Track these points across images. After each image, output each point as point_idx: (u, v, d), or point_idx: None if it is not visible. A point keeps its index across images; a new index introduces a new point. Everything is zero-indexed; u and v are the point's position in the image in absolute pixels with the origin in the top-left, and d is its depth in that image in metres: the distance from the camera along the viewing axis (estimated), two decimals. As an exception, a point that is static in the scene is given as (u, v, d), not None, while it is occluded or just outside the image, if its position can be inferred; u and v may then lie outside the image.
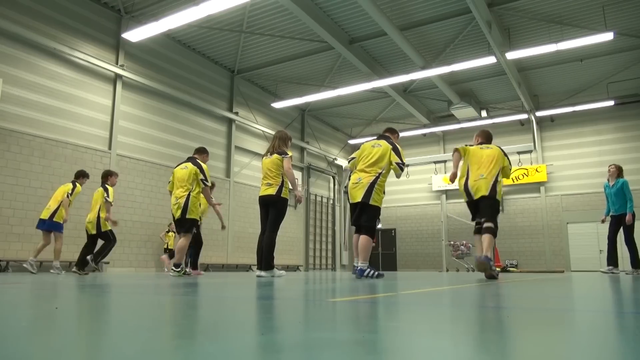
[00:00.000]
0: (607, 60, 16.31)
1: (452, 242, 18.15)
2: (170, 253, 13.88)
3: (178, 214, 7.18)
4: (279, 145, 6.80)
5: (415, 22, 13.78)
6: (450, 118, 20.68)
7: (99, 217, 8.62)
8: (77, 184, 9.15)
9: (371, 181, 6.11)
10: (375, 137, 6.66)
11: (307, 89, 18.09)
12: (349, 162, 6.84)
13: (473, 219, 6.12)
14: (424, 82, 17.73)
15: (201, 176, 7.41)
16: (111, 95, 13.05)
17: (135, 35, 11.82)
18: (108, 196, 8.64)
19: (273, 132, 18.67)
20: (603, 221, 9.26)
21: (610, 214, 9.17)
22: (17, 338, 1.02)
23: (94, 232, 8.67)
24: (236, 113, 17.13)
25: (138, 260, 13.39)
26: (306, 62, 16.59)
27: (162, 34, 13.88)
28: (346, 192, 7.41)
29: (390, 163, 6.22)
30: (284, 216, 6.95)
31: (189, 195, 7.19)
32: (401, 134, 21.57)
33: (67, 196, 8.82)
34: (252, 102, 18.23)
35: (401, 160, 6.22)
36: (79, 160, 11.99)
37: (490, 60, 14.01)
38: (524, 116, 19.32)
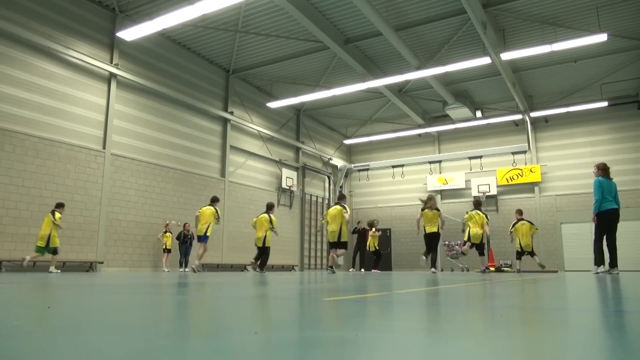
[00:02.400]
0: (601, 62, 16.40)
1: (447, 242, 18.18)
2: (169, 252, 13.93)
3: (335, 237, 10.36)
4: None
5: (411, 22, 13.80)
6: (445, 118, 20.73)
7: (266, 235, 11.96)
8: (217, 208, 11.78)
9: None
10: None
11: (303, 89, 18.08)
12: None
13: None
14: (419, 82, 17.77)
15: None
16: (105, 95, 13.00)
17: (129, 34, 11.77)
18: (273, 226, 11.99)
19: (268, 132, 18.82)
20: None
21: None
22: (10, 337, 1.02)
23: (260, 245, 12.08)
24: (231, 113, 17.10)
25: (133, 260, 13.35)
26: (301, 62, 16.58)
27: (157, 33, 13.84)
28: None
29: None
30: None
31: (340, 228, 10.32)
32: (396, 134, 21.66)
33: (216, 218, 11.64)
34: (248, 102, 18.21)
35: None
36: (72, 159, 11.94)
37: (485, 60, 14.05)
38: (518, 117, 19.40)
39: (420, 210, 11.49)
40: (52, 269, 10.41)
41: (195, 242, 14.67)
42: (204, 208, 11.74)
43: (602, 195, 8.33)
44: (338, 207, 10.44)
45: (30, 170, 11.06)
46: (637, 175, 17.16)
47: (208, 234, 11.49)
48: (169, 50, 15.04)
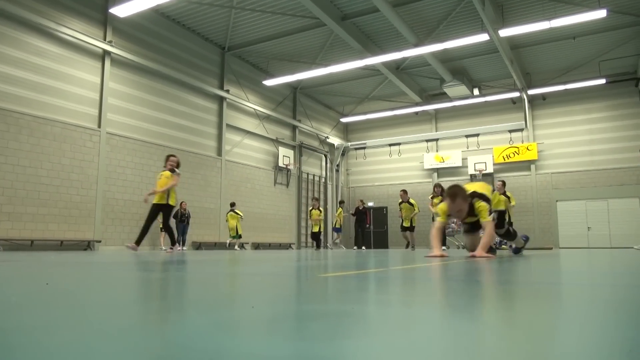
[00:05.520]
0: (600, 38, 16.27)
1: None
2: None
3: None
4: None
5: (408, -2, 13.61)
6: (442, 96, 20.63)
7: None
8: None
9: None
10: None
11: (299, 66, 17.91)
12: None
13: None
14: (416, 59, 17.61)
15: None
16: (100, 72, 12.84)
17: (123, 10, 11.57)
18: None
19: (265, 110, 18.71)
20: None
21: None
22: (6, 312, 1.02)
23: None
24: (227, 91, 16.96)
25: (130, 239, 13.35)
26: (298, 39, 16.38)
27: (150, 9, 13.61)
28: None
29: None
30: None
31: None
32: (393, 113, 21.58)
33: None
34: (244, 80, 18.04)
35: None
36: (68, 138, 11.86)
37: (483, 37, 13.92)
38: (516, 94, 19.32)
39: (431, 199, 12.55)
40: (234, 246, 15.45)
41: (191, 220, 14.74)
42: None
43: None
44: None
45: (25, 149, 10.99)
46: (634, 153, 17.18)
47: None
48: (163, 27, 14.82)
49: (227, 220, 15.76)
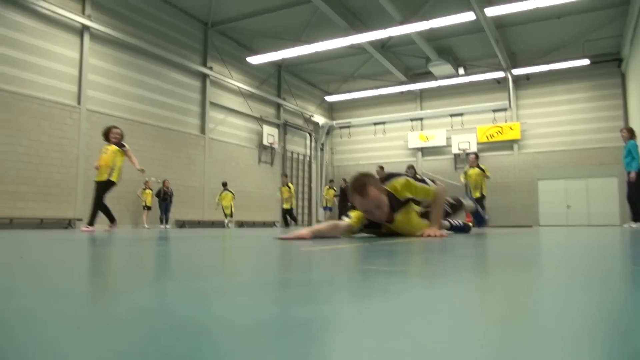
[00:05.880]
0: (584, 18, 16.32)
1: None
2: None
3: None
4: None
5: (394, -26, 13.43)
6: (427, 75, 20.58)
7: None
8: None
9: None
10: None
11: (284, 43, 17.65)
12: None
13: None
14: (402, 38, 17.48)
15: None
16: (79, 48, 12.51)
17: (101, -17, 11.22)
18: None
19: (249, 88, 18.48)
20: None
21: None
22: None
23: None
24: (210, 68, 16.69)
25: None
26: (282, 15, 16.11)
27: (130, -18, 13.22)
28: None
29: None
30: None
31: None
32: (378, 91, 21.50)
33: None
34: (227, 57, 17.76)
35: None
36: (47, 115, 11.59)
37: (470, 16, 13.85)
38: (500, 74, 19.37)
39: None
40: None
41: (174, 199, 14.63)
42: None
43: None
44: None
45: (1, 126, 10.72)
46: (614, 133, 17.42)
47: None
48: (144, 1, 14.44)
49: (220, 200, 15.86)
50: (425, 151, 22.16)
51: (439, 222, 3.72)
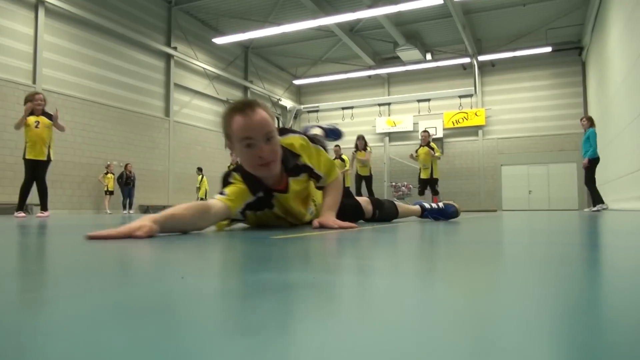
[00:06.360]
0: (548, 6, 16.61)
1: (393, 184, 18.60)
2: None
3: None
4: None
5: (363, -44, 13.28)
6: (395, 60, 20.62)
7: None
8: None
9: None
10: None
11: (251, 24, 17.28)
12: None
13: None
14: (370, 22, 17.40)
15: None
16: (33, 23, 11.88)
17: (57, -45, 10.64)
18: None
19: (215, 70, 18.06)
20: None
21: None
22: None
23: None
24: (174, 48, 16.20)
25: (72, 202, 12.81)
26: (249, -5, 15.75)
27: (88, -45, 12.60)
28: None
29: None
30: None
31: None
32: (346, 75, 21.41)
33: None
34: (192, 37, 17.27)
35: None
36: (-1, 94, 11.00)
37: (437, 1, 13.87)
38: (466, 60, 19.58)
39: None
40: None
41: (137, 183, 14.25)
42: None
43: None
44: None
45: (-51, 105, 10.12)
46: (574, 120, 17.94)
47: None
48: (103, -24, 13.81)
49: (200, 186, 16.10)
50: (392, 136, 22.30)
51: (336, 209, 2.54)
